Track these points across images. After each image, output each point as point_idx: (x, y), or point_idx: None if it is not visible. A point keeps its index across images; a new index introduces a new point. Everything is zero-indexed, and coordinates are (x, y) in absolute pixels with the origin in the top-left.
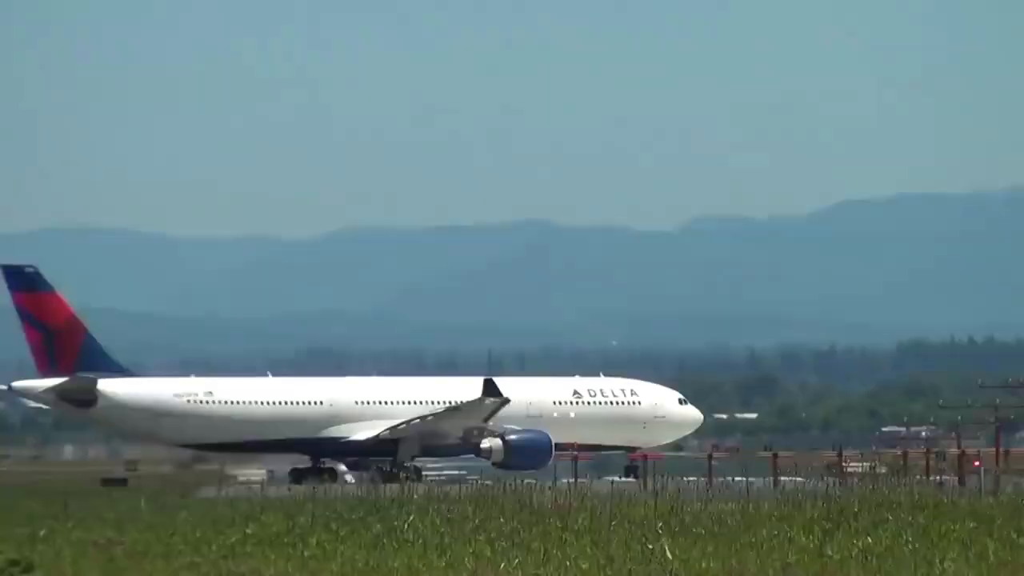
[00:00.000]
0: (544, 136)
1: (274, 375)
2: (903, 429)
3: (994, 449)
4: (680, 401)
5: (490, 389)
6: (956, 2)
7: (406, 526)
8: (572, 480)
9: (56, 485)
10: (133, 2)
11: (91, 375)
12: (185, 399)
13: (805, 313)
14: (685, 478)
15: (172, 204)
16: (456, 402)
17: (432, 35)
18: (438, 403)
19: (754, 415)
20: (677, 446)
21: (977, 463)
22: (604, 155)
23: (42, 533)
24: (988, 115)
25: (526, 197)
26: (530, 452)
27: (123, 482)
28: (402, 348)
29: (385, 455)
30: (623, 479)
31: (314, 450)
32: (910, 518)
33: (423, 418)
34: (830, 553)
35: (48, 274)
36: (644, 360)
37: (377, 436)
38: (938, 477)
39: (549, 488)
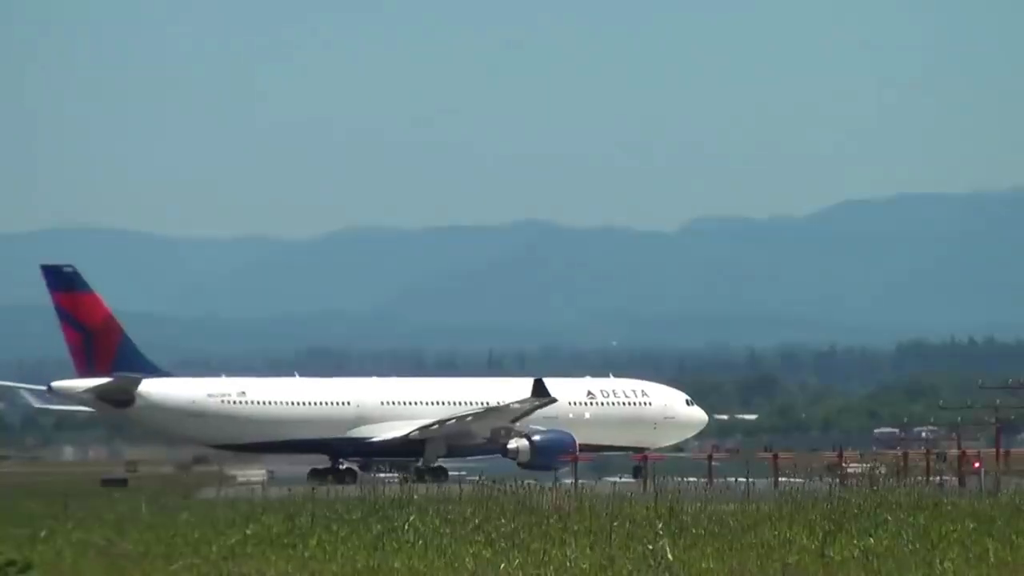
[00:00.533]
0: (544, 136)
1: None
2: (897, 430)
3: (994, 450)
4: (687, 402)
5: (539, 390)
6: (956, 2)
7: (406, 527)
8: (573, 481)
9: (56, 485)
10: (133, 2)
11: (135, 375)
12: (219, 399)
13: (805, 313)
14: (685, 479)
15: (172, 204)
16: (483, 403)
17: (432, 35)
18: (466, 404)
19: (754, 416)
20: (678, 447)
21: (977, 464)
22: (604, 155)
23: (42, 534)
24: (988, 115)
25: (526, 197)
26: (555, 452)
27: (123, 483)
28: (402, 348)
29: (412, 455)
30: (632, 479)
31: (346, 450)
32: (910, 519)
33: (461, 418)
34: (831, 554)
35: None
36: (644, 360)
37: (407, 436)
38: (938, 478)
39: (550, 489)
